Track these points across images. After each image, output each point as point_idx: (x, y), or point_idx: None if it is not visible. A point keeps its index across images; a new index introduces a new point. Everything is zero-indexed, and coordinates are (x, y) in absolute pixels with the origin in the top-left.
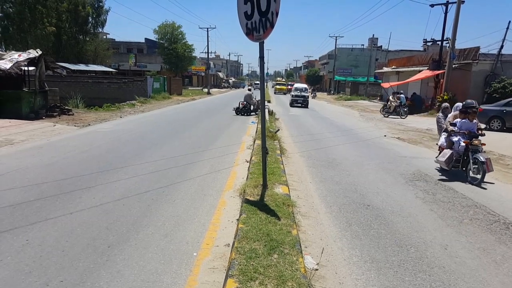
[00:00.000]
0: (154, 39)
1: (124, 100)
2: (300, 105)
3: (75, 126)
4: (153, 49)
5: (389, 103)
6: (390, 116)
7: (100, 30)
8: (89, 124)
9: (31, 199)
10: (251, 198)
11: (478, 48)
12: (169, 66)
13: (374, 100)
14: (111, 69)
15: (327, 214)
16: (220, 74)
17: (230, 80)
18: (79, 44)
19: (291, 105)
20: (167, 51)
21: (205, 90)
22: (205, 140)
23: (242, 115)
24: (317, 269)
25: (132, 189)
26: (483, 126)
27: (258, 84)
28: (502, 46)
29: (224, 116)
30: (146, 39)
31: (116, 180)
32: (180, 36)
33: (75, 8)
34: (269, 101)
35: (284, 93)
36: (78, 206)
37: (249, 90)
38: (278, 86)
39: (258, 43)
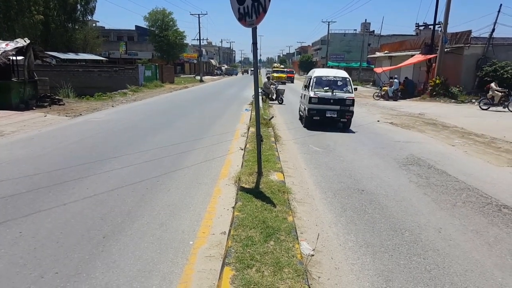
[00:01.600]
0: (145, 27)
1: (116, 89)
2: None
3: (66, 116)
4: (144, 37)
5: (383, 88)
6: (382, 100)
7: (89, 18)
8: (81, 114)
9: (23, 191)
10: (247, 186)
11: (469, 32)
12: (161, 54)
13: (367, 86)
14: (101, 58)
15: (322, 200)
16: (213, 62)
17: (222, 67)
18: (68, 33)
19: (311, 120)
20: (158, 38)
21: (198, 77)
22: (199, 129)
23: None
24: (313, 255)
25: (126, 179)
26: None
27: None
28: (493, 30)
29: (218, 104)
30: (136, 26)
31: (110, 170)
32: (171, 23)
33: None
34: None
35: (283, 83)
36: (71, 197)
37: (268, 78)
38: (276, 74)
39: (250, 29)
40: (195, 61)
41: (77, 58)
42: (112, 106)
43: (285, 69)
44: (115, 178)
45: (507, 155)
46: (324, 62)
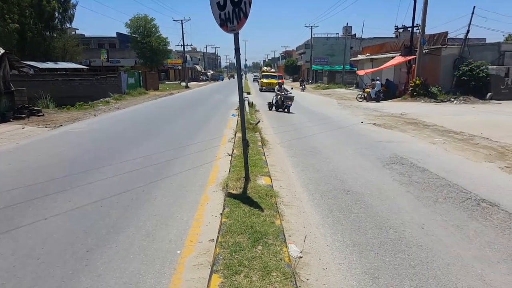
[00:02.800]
0: (127, 33)
1: (98, 97)
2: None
3: (46, 127)
4: (126, 44)
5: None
6: (365, 101)
7: (68, 25)
8: (61, 125)
9: (1, 207)
10: (234, 192)
11: (446, 33)
12: (144, 61)
13: (351, 88)
14: (82, 66)
15: (310, 202)
16: (198, 67)
17: (208, 73)
18: (46, 41)
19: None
20: (140, 45)
21: (183, 84)
22: (186, 136)
23: (277, 110)
24: (301, 257)
25: (110, 190)
26: None
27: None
28: (468, 31)
29: (204, 110)
30: (118, 33)
31: (93, 181)
32: (153, 29)
33: (39, 3)
34: (248, 93)
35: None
36: (53, 211)
37: (279, 85)
38: (265, 80)
39: (233, 35)
40: (179, 67)
41: (57, 67)
42: (94, 116)
43: (276, 74)
44: (99, 189)
45: (484, 151)
46: (309, 66)
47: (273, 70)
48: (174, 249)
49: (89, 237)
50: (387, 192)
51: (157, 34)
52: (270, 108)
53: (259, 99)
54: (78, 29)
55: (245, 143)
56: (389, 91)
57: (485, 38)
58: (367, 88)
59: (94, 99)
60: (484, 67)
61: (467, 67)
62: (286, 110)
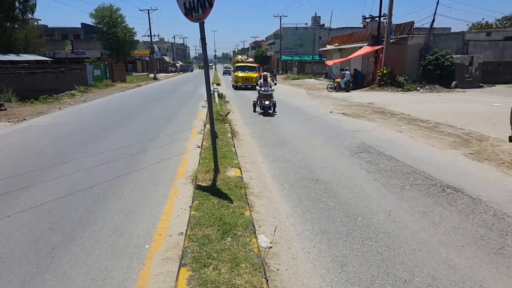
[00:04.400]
0: (91, 24)
1: (63, 90)
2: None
3: (8, 122)
4: (91, 35)
5: (335, 80)
6: (335, 91)
7: (30, 16)
8: (25, 119)
9: None
10: (203, 184)
11: (412, 22)
12: (110, 52)
13: (320, 78)
14: (46, 58)
15: (279, 192)
16: (166, 58)
17: (177, 64)
18: (7, 33)
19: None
20: (106, 36)
21: (151, 75)
22: (154, 128)
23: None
24: (271, 247)
25: (76, 185)
26: None
27: (210, 65)
28: (433, 20)
29: (173, 102)
30: (82, 24)
31: (58, 176)
32: (119, 19)
33: None
34: (218, 84)
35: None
36: (16, 208)
37: (265, 77)
38: (241, 74)
39: (198, 24)
40: (147, 58)
41: (19, 59)
42: (60, 109)
43: (255, 66)
44: (64, 185)
45: (449, 138)
46: (278, 57)
47: (250, 59)
48: (142, 243)
49: (54, 234)
50: (355, 180)
51: (123, 25)
52: (254, 109)
53: (230, 91)
54: (40, 20)
55: (213, 135)
56: (357, 81)
57: (450, 28)
58: (337, 78)
59: (59, 92)
60: (449, 56)
61: (432, 56)
62: (270, 111)
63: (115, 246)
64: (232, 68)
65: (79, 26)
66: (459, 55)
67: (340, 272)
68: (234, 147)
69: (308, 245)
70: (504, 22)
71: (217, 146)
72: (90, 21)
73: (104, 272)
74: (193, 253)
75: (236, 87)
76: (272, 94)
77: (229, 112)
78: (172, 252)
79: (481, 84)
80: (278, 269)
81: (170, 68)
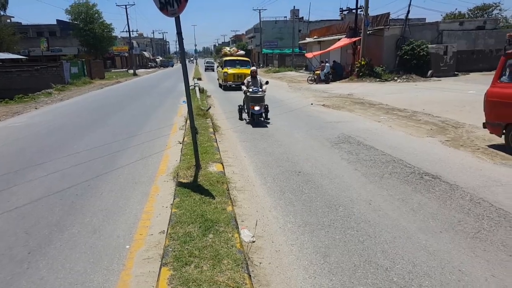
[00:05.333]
0: (68, 20)
1: (39, 89)
2: None
3: None
4: (67, 31)
5: (315, 72)
6: (315, 83)
7: (2, 13)
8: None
9: None
10: (184, 181)
11: (388, 14)
12: (88, 49)
13: (301, 71)
14: (20, 56)
15: (262, 185)
16: (146, 54)
17: (157, 59)
18: None
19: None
20: (83, 32)
21: (131, 71)
22: (134, 125)
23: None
24: (254, 241)
25: (52, 187)
26: None
27: (191, 59)
28: (408, 11)
29: (154, 98)
30: (58, 20)
31: (33, 178)
32: (96, 15)
33: None
34: (199, 79)
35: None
36: None
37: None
38: (232, 70)
39: (174, 19)
40: (126, 54)
41: None
42: (36, 108)
43: (247, 58)
44: (40, 187)
45: (426, 126)
46: (259, 50)
47: (241, 52)
48: (122, 244)
49: (30, 238)
50: (336, 171)
51: (101, 21)
52: (240, 116)
53: (212, 85)
54: (13, 17)
55: (193, 130)
56: (336, 73)
57: (425, 18)
58: (317, 70)
59: (35, 91)
60: (424, 46)
61: (408, 46)
62: (261, 118)
63: (94, 248)
64: (216, 64)
65: (55, 23)
66: (434, 45)
67: (323, 263)
68: (216, 142)
69: (291, 238)
70: (476, 12)
71: (198, 141)
72: (66, 17)
73: (83, 275)
74: (174, 251)
75: (225, 87)
76: (263, 97)
77: (210, 107)
78: (153, 251)
79: (455, 73)
80: (261, 263)
81: (150, 63)
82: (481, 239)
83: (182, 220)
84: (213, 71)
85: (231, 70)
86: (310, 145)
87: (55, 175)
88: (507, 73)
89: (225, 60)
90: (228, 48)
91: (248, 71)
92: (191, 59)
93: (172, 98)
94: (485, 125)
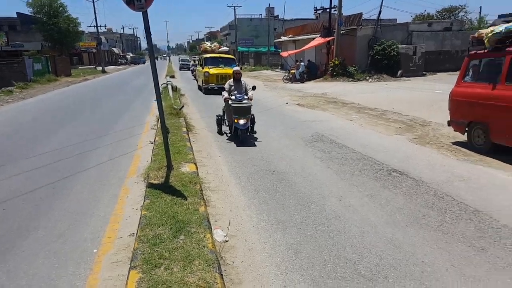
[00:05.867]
0: (29, 13)
1: None
2: None
3: None
4: (29, 25)
5: (291, 71)
6: (290, 83)
7: None
8: None
9: None
10: (155, 182)
11: (361, 14)
12: (52, 44)
13: (276, 70)
14: None
15: (236, 185)
16: (115, 50)
17: (127, 56)
18: None
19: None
20: (47, 26)
21: (99, 68)
22: (103, 125)
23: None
24: (227, 241)
25: (15, 190)
26: None
27: (164, 56)
28: (380, 12)
29: (125, 96)
30: (18, 13)
31: None
32: (60, 8)
33: None
34: (172, 76)
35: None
36: None
37: (236, 74)
38: (214, 70)
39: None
40: (94, 50)
41: None
42: None
43: (231, 56)
44: (1, 190)
45: (395, 125)
46: (234, 48)
47: (224, 48)
48: (90, 248)
49: None
50: (310, 169)
51: (66, 14)
52: (220, 129)
53: (186, 83)
54: None
55: (164, 130)
56: (311, 72)
57: (396, 19)
58: (292, 70)
59: None
60: (395, 46)
61: (380, 46)
62: (248, 133)
63: (59, 253)
64: (192, 62)
65: (15, 16)
66: (404, 45)
67: (295, 259)
68: (190, 141)
69: (264, 236)
70: (443, 13)
71: (170, 141)
72: (27, 10)
73: (47, 282)
74: (143, 254)
75: (206, 90)
76: (250, 107)
77: (183, 106)
78: (122, 254)
79: (424, 73)
80: (233, 262)
81: (120, 60)
82: (444, 232)
83: (152, 222)
84: (189, 69)
85: (213, 70)
86: (285, 144)
87: (18, 178)
88: (470, 73)
89: (206, 58)
90: (208, 43)
91: (230, 71)
92: (164, 56)
93: (144, 96)
94: (449, 123)
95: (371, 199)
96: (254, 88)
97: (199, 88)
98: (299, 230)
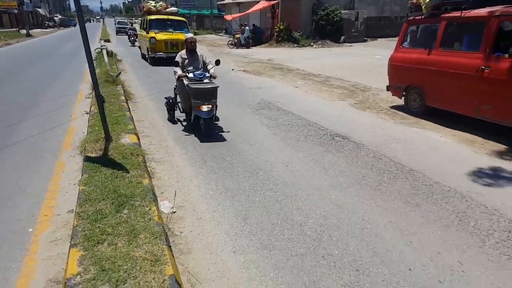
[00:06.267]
0: None
1: None
2: None
3: None
4: None
5: (235, 36)
6: (236, 48)
7: None
8: None
9: None
10: (93, 155)
11: None
12: None
13: (221, 34)
14: None
15: (182, 155)
16: (41, 11)
17: (56, 18)
18: None
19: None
20: None
21: (23, 31)
22: (32, 94)
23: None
24: (174, 212)
25: None
26: None
27: (98, 18)
28: None
29: (54, 62)
30: None
31: None
32: None
33: None
34: (107, 40)
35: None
36: None
37: (190, 43)
38: (163, 35)
39: None
40: (16, 11)
41: None
42: None
43: (182, 18)
44: None
45: (338, 91)
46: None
47: (173, 9)
48: (25, 227)
49: None
50: (257, 137)
51: None
52: (172, 116)
53: (123, 48)
54: None
55: (99, 99)
56: (256, 37)
57: None
58: (237, 34)
59: None
60: (338, 11)
61: (323, 12)
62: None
63: None
64: (129, 26)
65: None
66: (346, 11)
67: (244, 225)
68: (129, 111)
69: (212, 204)
70: None
71: (107, 111)
72: None
73: None
74: (84, 231)
75: (153, 60)
76: (216, 89)
77: (120, 73)
78: (61, 232)
79: (365, 38)
80: (182, 232)
81: (47, 22)
82: (382, 191)
83: (92, 197)
84: (127, 34)
85: (161, 35)
86: (232, 111)
87: None
88: (408, 39)
89: (151, 20)
90: (153, 3)
91: (182, 36)
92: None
93: (76, 62)
94: (388, 88)
95: (315, 164)
96: (218, 62)
97: (143, 57)
98: (248, 197)
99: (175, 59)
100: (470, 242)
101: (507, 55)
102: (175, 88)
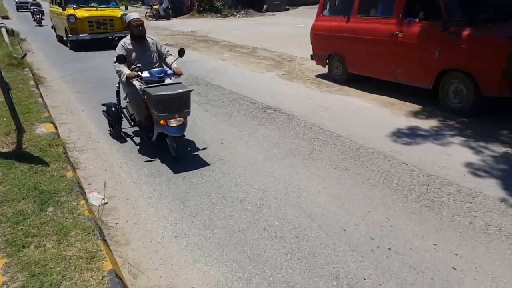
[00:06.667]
0: None
1: None
2: None
3: None
4: None
5: (153, 7)
6: (155, 20)
7: None
8: None
9: None
10: (5, 150)
11: None
12: None
13: (137, 5)
14: None
15: (108, 141)
16: None
17: None
18: None
19: None
20: None
21: None
22: None
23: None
24: (106, 203)
25: None
26: None
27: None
28: None
29: None
30: None
31: None
32: None
33: None
34: (6, 17)
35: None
36: None
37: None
38: (84, 12)
39: None
40: None
41: None
42: None
43: None
44: None
45: (265, 62)
46: None
47: None
48: None
49: None
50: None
51: None
52: (117, 130)
53: (26, 26)
54: None
55: (4, 85)
56: (176, 8)
57: None
58: (155, 5)
59: None
60: None
61: None
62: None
63: None
64: (31, 1)
65: None
66: None
67: (183, 208)
68: (42, 96)
69: (147, 191)
70: None
71: (14, 98)
72: None
73: None
74: (5, 235)
75: (73, 43)
76: (189, 94)
77: (26, 54)
78: None
79: (287, 7)
80: (117, 224)
81: None
82: (314, 159)
83: (9, 198)
84: (29, 10)
85: (82, 12)
86: None
87: None
88: (328, 7)
89: None
90: None
91: (114, 13)
92: None
93: None
94: (312, 57)
95: (250, 138)
96: (182, 53)
97: (60, 40)
98: (184, 179)
99: (118, 53)
100: (395, 199)
101: (417, 20)
102: (117, 91)
